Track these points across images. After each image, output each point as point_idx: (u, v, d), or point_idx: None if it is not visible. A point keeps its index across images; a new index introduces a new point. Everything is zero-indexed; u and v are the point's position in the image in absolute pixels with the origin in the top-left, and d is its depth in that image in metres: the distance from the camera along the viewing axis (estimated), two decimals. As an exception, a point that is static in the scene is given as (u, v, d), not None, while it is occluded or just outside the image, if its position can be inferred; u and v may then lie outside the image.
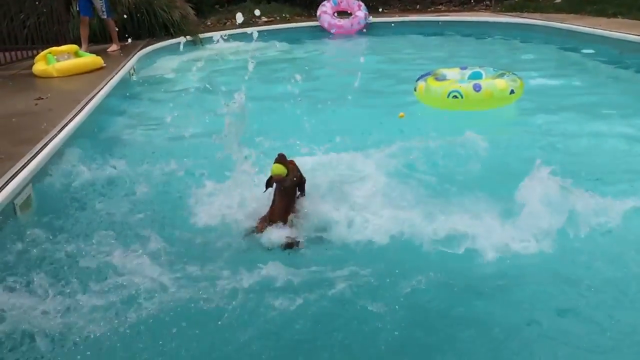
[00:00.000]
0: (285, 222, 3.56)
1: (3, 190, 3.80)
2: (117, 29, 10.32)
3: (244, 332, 2.80)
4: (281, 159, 3.46)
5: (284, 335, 2.80)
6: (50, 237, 3.73)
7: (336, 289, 3.04)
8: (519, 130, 5.80)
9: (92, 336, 2.79)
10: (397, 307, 2.92)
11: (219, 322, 2.85)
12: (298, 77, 8.60)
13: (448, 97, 5.92)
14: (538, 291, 3.12)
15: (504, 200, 3.77)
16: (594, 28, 10.26)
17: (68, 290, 3.15)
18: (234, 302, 2.98)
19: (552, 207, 3.62)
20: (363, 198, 3.97)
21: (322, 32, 12.77)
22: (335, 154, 4.85)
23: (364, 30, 12.75)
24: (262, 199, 3.86)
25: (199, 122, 6.48)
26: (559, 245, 3.39)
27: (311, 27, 13.01)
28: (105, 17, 9.92)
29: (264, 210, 3.78)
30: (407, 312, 2.91)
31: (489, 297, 3.08)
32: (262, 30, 12.77)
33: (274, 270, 3.19)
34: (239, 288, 3.08)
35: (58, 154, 4.82)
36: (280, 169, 3.43)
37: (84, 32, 9.90)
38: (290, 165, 3.51)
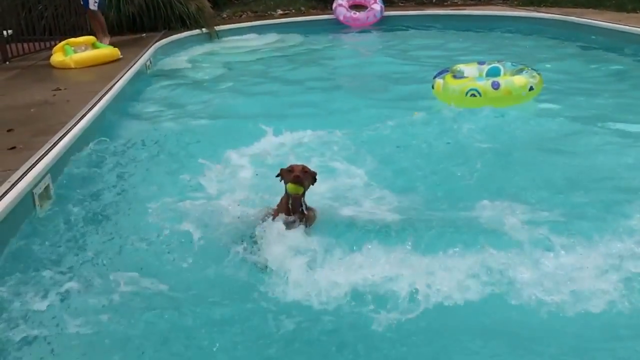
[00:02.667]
0: (301, 218, 3.53)
1: (22, 180, 3.84)
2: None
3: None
4: (295, 180, 3.37)
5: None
6: (68, 227, 3.78)
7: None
8: (537, 128, 5.68)
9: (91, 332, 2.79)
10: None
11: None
12: (312, 71, 8.63)
13: (466, 95, 5.88)
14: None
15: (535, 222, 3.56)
16: (613, 23, 10.13)
17: (81, 280, 3.18)
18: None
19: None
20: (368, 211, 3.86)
21: (337, 25, 12.72)
22: (344, 155, 4.83)
23: (380, 23, 12.72)
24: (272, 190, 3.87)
25: (215, 114, 6.53)
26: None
27: (327, 20, 12.96)
28: (96, 8, 9.62)
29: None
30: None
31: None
32: (278, 24, 12.77)
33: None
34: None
35: (76, 145, 4.86)
36: (297, 189, 3.40)
37: (95, 24, 9.88)
38: (305, 175, 3.43)
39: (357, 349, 2.63)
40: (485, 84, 5.87)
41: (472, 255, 3.14)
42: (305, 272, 3.09)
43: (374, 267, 3.08)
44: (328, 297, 2.91)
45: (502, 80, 5.90)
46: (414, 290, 2.88)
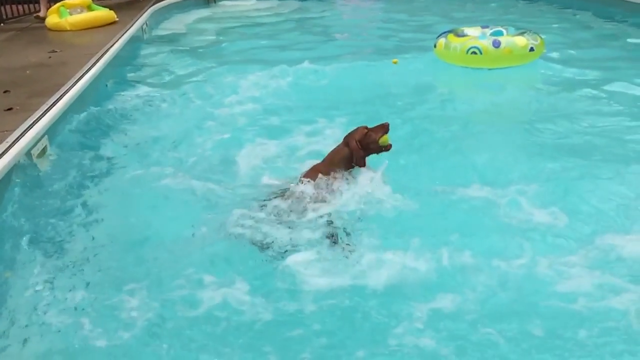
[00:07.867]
0: None
1: (20, 141, 3.80)
2: None
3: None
4: (387, 129, 3.32)
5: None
6: (66, 188, 3.75)
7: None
8: (534, 93, 5.63)
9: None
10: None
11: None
12: (311, 35, 8.48)
13: (467, 53, 5.88)
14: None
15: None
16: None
17: (78, 242, 3.16)
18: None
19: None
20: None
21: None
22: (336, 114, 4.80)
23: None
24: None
25: (212, 77, 6.45)
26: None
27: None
28: None
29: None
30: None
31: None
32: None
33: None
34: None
35: (73, 106, 4.80)
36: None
37: None
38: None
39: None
40: (486, 42, 5.89)
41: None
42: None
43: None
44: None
45: (503, 39, 5.92)
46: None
